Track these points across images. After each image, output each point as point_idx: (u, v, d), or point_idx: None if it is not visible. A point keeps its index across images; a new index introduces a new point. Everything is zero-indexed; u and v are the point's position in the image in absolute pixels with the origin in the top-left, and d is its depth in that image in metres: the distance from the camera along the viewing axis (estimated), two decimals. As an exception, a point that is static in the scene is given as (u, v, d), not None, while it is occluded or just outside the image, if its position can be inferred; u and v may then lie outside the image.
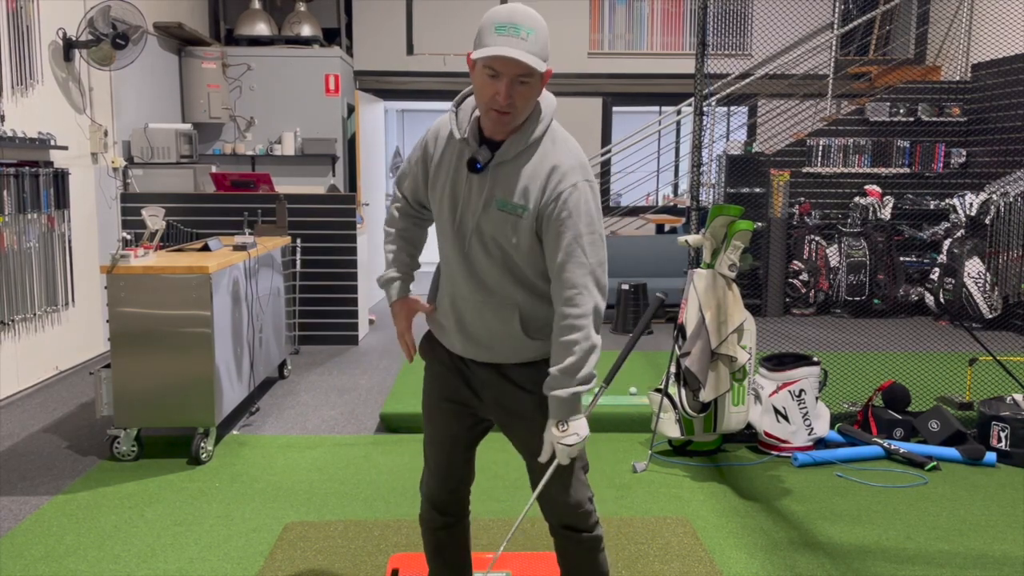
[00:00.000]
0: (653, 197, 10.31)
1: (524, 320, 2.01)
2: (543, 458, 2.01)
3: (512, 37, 1.81)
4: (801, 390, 4.02)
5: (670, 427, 3.98)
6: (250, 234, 5.27)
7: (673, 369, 3.95)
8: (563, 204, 1.89)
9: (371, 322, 7.31)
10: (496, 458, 3.91)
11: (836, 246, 7.87)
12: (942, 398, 4.55)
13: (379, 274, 2.27)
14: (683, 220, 8.56)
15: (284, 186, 6.94)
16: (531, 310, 2.01)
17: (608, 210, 9.42)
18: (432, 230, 2.24)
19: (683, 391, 3.88)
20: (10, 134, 4.90)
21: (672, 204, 9.60)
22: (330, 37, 8.64)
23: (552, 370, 1.95)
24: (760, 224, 7.59)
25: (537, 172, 1.92)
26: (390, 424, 4.48)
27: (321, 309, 6.46)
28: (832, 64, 8.64)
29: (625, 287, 7.11)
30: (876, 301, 7.80)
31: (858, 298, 7.78)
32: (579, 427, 1.95)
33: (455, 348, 2.11)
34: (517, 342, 2.03)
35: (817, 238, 7.92)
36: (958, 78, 8.37)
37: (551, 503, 2.13)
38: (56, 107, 5.56)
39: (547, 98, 1.97)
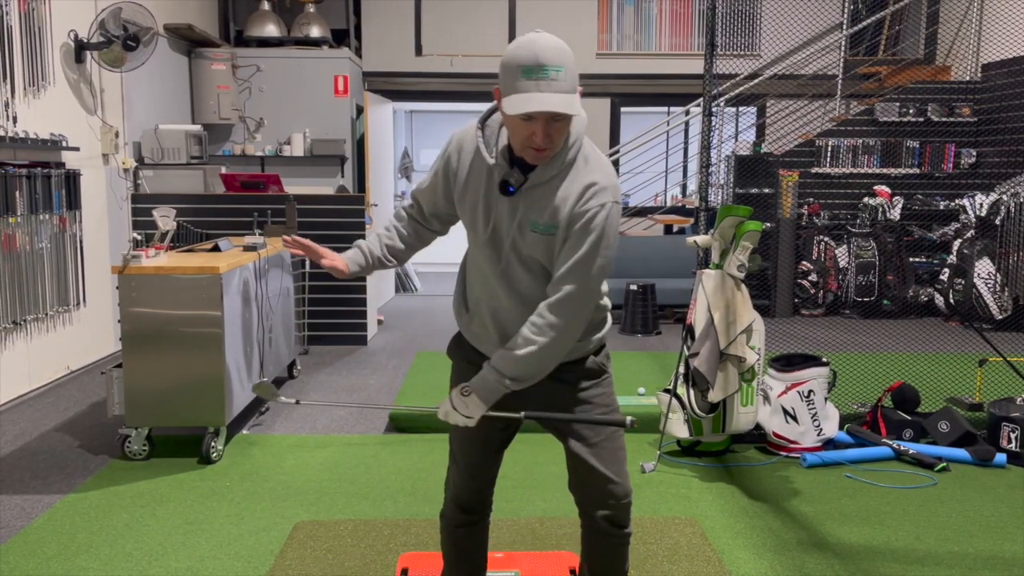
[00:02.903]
0: (661, 198, 10.30)
1: None
2: (440, 415, 2.05)
3: (542, 80, 1.75)
4: (810, 391, 4.01)
5: (679, 427, 3.98)
6: (260, 234, 5.29)
7: (682, 369, 3.96)
8: (590, 219, 1.89)
9: (380, 322, 7.33)
10: (506, 458, 3.90)
11: (845, 247, 7.85)
12: (952, 399, 4.54)
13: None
14: (691, 221, 8.55)
15: (293, 187, 6.98)
16: None
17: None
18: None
19: (692, 392, 3.88)
20: (22, 135, 4.93)
21: (680, 205, 9.60)
22: (339, 38, 8.66)
23: (502, 351, 1.97)
24: (768, 225, 7.58)
25: (570, 191, 1.90)
26: (399, 424, 4.49)
27: (330, 309, 6.48)
28: (841, 64, 8.62)
29: (633, 288, 7.11)
30: (885, 302, 7.78)
31: (867, 299, 7.76)
32: (475, 408, 1.97)
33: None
34: (558, 361, 2.03)
35: (826, 239, 7.90)
36: (968, 78, 8.34)
37: (600, 490, 2.10)
38: (68, 108, 5.60)
39: (579, 115, 1.90)
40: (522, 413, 2.04)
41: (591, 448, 2.09)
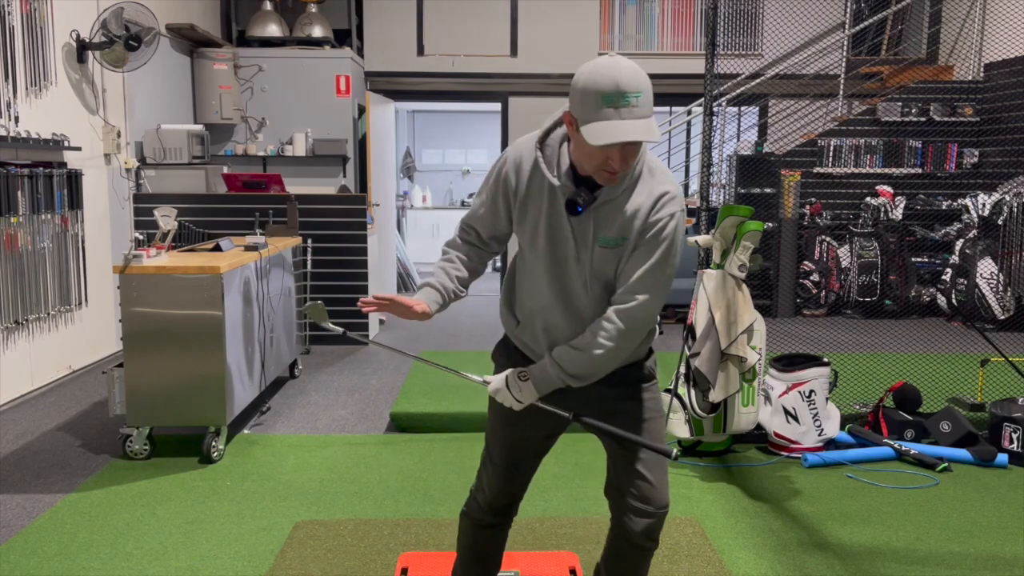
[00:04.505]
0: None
1: None
2: (489, 380, 2.05)
3: (623, 108, 1.73)
4: (811, 391, 4.01)
5: (680, 427, 3.97)
6: (261, 234, 5.30)
7: (683, 369, 3.95)
8: (662, 228, 1.89)
9: (381, 322, 7.33)
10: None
11: (847, 247, 7.84)
12: (953, 399, 4.53)
13: (420, 285, 2.19)
14: (693, 220, 8.54)
15: (295, 187, 6.98)
16: None
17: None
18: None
19: (693, 391, 3.88)
20: (24, 135, 4.94)
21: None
22: (341, 38, 8.66)
23: (567, 347, 1.97)
24: (770, 225, 7.57)
25: (641, 202, 1.90)
26: (400, 424, 4.50)
27: (332, 309, 6.45)
28: (843, 64, 8.61)
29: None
30: (888, 302, 7.77)
31: (869, 299, 7.75)
32: (528, 394, 1.98)
33: None
34: (616, 365, 2.04)
35: (828, 239, 7.90)
36: (970, 78, 8.33)
37: (641, 495, 2.08)
38: (70, 108, 5.60)
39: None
40: (571, 413, 2.02)
41: (638, 449, 2.08)
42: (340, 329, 2.26)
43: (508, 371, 2.03)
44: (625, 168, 1.83)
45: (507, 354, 2.18)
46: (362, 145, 8.65)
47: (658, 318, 2.15)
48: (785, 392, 4.03)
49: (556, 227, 1.96)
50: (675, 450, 1.99)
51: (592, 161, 1.82)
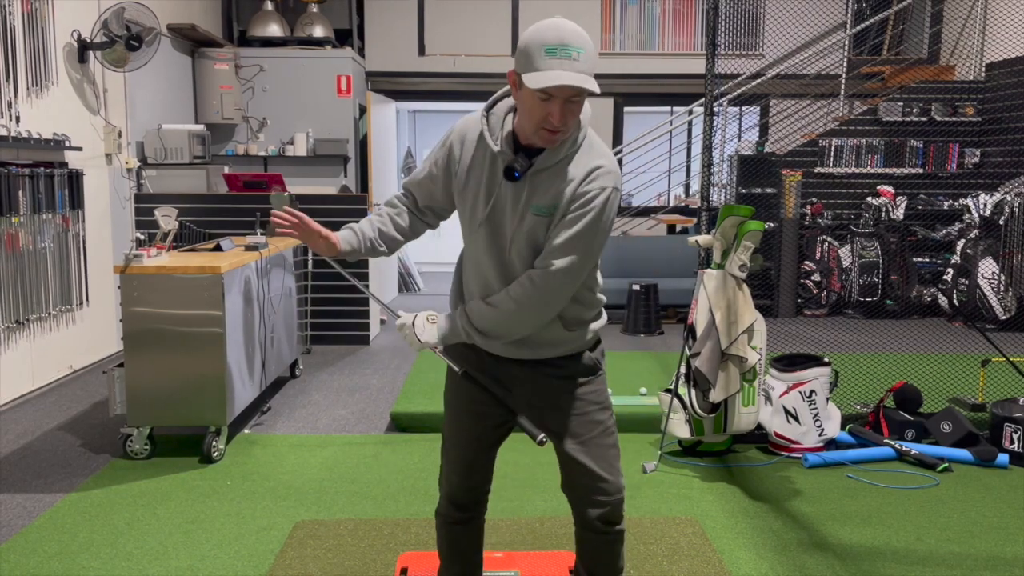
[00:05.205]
0: (664, 197, 10.29)
1: (563, 317, 2.04)
2: (397, 323, 2.08)
3: (564, 60, 1.77)
4: (812, 391, 4.00)
5: (680, 427, 3.97)
6: (262, 234, 5.29)
7: (683, 369, 3.95)
8: (590, 199, 1.91)
9: (382, 322, 7.33)
10: (506, 457, 3.89)
11: (848, 247, 7.83)
12: (954, 399, 4.53)
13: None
14: (694, 220, 8.54)
15: (296, 187, 6.98)
16: (569, 307, 2.03)
17: (619, 210, 9.39)
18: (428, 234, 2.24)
19: (693, 391, 3.87)
20: (25, 135, 4.94)
21: (684, 204, 9.58)
22: (342, 38, 8.67)
23: (479, 301, 2.00)
24: (771, 225, 7.56)
25: (575, 173, 1.92)
26: (400, 423, 4.50)
27: (332, 309, 6.49)
28: (845, 64, 8.60)
29: (636, 287, 7.10)
30: (889, 302, 7.76)
31: (871, 299, 7.74)
32: (430, 336, 2.03)
33: (493, 349, 2.10)
34: (556, 337, 2.06)
35: (829, 239, 7.89)
36: (972, 78, 8.32)
37: (591, 487, 2.10)
38: (71, 108, 5.61)
39: (584, 106, 1.95)
40: (462, 370, 2.08)
41: (581, 446, 2.09)
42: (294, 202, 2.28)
43: (421, 312, 2.08)
44: (564, 128, 1.84)
45: (457, 344, 2.17)
46: (363, 145, 8.65)
47: (603, 306, 2.15)
48: (786, 392, 4.02)
49: (492, 194, 1.98)
50: (540, 436, 1.98)
51: (533, 118, 1.85)
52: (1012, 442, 4.00)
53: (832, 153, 8.15)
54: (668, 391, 4.00)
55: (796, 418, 4.02)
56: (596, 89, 1.80)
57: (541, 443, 1.97)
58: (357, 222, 2.18)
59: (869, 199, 7.96)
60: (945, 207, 7.87)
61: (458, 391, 2.20)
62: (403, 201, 2.23)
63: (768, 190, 7.82)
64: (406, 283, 9.61)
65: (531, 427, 2.01)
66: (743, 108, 9.12)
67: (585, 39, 1.81)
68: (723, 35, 8.98)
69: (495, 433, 2.21)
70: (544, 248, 1.95)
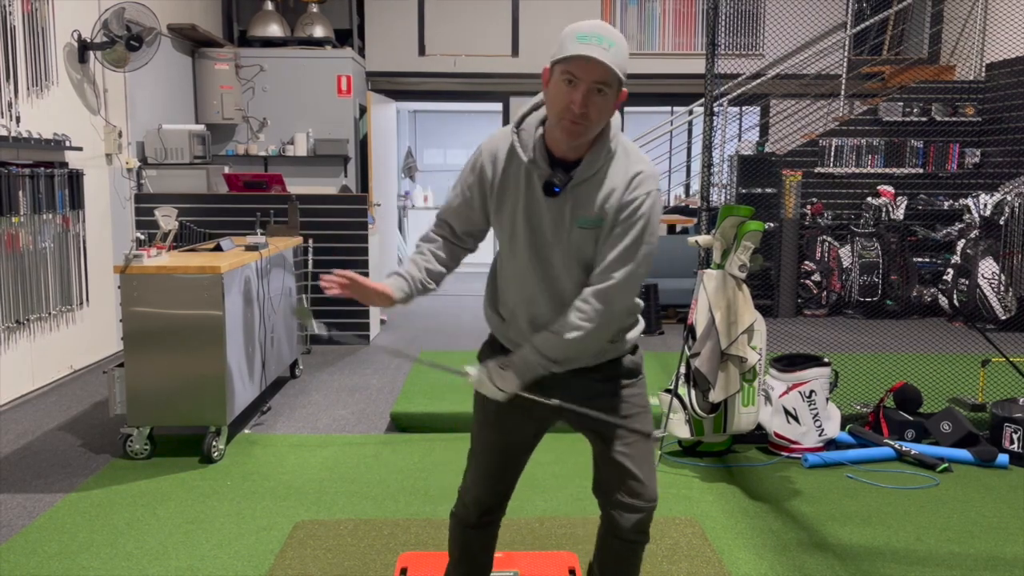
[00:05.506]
0: (665, 197, 10.30)
1: None
2: (471, 380, 2.03)
3: (594, 45, 1.79)
4: (811, 391, 4.00)
5: (680, 428, 3.97)
6: (262, 234, 5.30)
7: (683, 370, 3.95)
8: (637, 207, 1.91)
9: (383, 322, 7.34)
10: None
11: (849, 247, 7.83)
12: (954, 399, 4.53)
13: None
14: (694, 220, 8.54)
15: (296, 187, 6.98)
16: None
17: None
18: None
19: (693, 392, 3.87)
20: (26, 135, 4.95)
21: (684, 204, 9.58)
22: (342, 38, 8.67)
23: (546, 333, 1.97)
24: (771, 225, 7.56)
25: (616, 182, 1.92)
26: (400, 423, 4.50)
27: (333, 309, 6.49)
28: (845, 64, 8.60)
29: (636, 287, 7.09)
30: (889, 302, 7.76)
31: (871, 299, 7.74)
32: (510, 383, 1.98)
33: None
34: (600, 347, 2.05)
35: (829, 239, 7.89)
36: (972, 78, 8.32)
37: (628, 490, 2.08)
38: (71, 108, 5.61)
39: (614, 116, 1.95)
40: (555, 401, 2.02)
41: (623, 447, 2.08)
42: (325, 331, 2.23)
43: (489, 362, 2.03)
44: (586, 119, 1.83)
45: (493, 353, 2.17)
46: (363, 145, 8.66)
47: (640, 312, 2.15)
48: (785, 392, 4.02)
49: (534, 211, 1.96)
50: (655, 431, 1.99)
51: (556, 106, 1.84)
52: (1012, 442, 4.00)
53: (832, 153, 8.15)
54: (668, 391, 4.00)
55: (796, 418, 4.02)
56: (621, 76, 1.81)
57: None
58: (401, 266, 2.12)
59: (869, 199, 7.96)
60: (945, 207, 7.87)
61: (495, 400, 2.14)
62: (440, 232, 2.16)
63: (768, 190, 7.82)
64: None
65: (580, 409, 2.01)
66: (743, 108, 9.12)
67: (620, 37, 1.83)
68: (723, 35, 8.98)
69: (532, 440, 2.20)
70: (598, 262, 1.94)
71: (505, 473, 2.22)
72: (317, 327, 2.19)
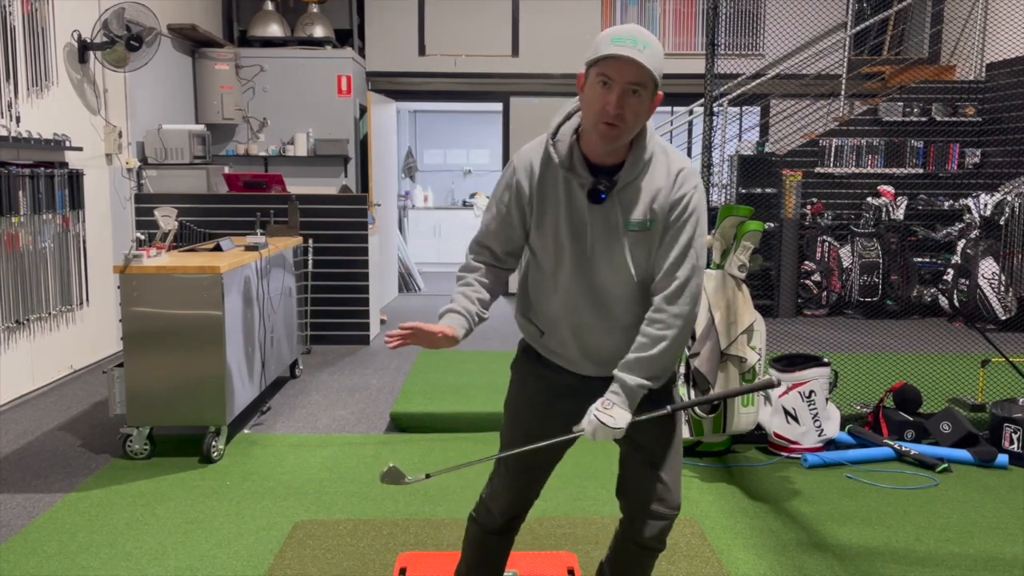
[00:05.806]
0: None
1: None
2: (582, 427, 1.95)
3: (628, 47, 1.79)
4: (811, 391, 4.00)
5: (679, 428, 3.97)
6: (262, 234, 5.30)
7: (682, 370, 3.95)
8: (687, 204, 1.93)
9: (383, 322, 7.34)
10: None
11: (849, 247, 7.83)
12: (954, 400, 4.53)
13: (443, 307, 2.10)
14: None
15: (296, 187, 6.98)
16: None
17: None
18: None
19: (692, 392, 3.87)
20: (26, 135, 4.95)
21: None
22: (342, 38, 8.67)
23: (631, 358, 1.94)
24: (771, 225, 7.56)
25: (661, 182, 1.93)
26: (400, 424, 4.50)
27: (333, 309, 6.49)
28: (845, 64, 8.60)
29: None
30: (889, 302, 7.76)
31: (871, 299, 7.74)
32: (622, 418, 1.92)
33: (584, 371, 2.07)
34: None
35: (829, 239, 7.89)
36: (972, 78, 8.32)
37: (654, 495, 2.07)
38: (71, 108, 5.61)
39: (649, 122, 1.96)
40: (668, 408, 2.01)
41: (653, 451, 2.07)
42: (422, 476, 2.11)
43: (591, 410, 1.95)
44: (622, 121, 1.82)
45: (529, 363, 2.15)
46: (363, 145, 8.65)
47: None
48: (785, 392, 4.02)
49: (578, 220, 1.95)
50: (776, 376, 1.97)
51: (592, 110, 1.84)
52: (1012, 442, 4.00)
53: (832, 153, 8.15)
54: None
55: (795, 418, 4.02)
56: (657, 77, 1.80)
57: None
58: (452, 303, 2.06)
59: (869, 199, 7.96)
60: (945, 207, 7.87)
61: (535, 411, 2.13)
62: (481, 259, 2.11)
63: (768, 190, 7.82)
64: (407, 283, 9.61)
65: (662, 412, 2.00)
66: (743, 108, 9.12)
67: (655, 40, 1.84)
68: (723, 35, 8.98)
69: (563, 451, 2.18)
70: (657, 268, 1.95)
71: (537, 482, 2.23)
72: (412, 478, 2.09)
